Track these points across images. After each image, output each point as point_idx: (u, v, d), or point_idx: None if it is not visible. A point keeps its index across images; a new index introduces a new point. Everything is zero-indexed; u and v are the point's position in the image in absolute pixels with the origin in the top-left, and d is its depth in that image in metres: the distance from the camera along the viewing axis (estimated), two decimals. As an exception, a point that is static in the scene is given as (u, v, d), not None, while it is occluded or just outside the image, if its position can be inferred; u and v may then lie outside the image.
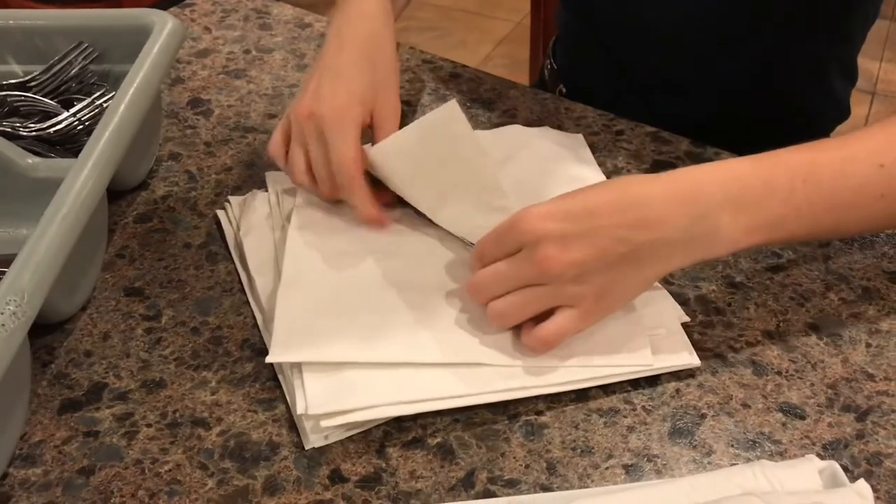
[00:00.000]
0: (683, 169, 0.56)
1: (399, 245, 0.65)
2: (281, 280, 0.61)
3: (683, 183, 0.55)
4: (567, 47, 0.99)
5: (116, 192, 0.72)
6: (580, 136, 0.78)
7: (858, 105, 1.58)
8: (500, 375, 0.56)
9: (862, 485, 0.46)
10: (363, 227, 0.66)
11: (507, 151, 0.74)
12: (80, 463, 0.53)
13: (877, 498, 0.50)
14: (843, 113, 0.94)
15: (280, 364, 0.58)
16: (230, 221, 0.69)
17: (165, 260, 0.67)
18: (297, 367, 0.56)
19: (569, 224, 0.54)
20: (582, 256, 0.53)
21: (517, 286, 0.56)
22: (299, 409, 0.54)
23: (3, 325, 0.48)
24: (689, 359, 0.58)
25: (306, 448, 0.54)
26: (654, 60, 0.87)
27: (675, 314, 0.61)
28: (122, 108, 0.63)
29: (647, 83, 0.89)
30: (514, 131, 0.78)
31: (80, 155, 0.58)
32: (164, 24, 0.71)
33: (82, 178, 0.56)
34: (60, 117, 0.69)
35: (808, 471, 0.47)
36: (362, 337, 0.58)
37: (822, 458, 0.51)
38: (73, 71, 0.73)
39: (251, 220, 0.68)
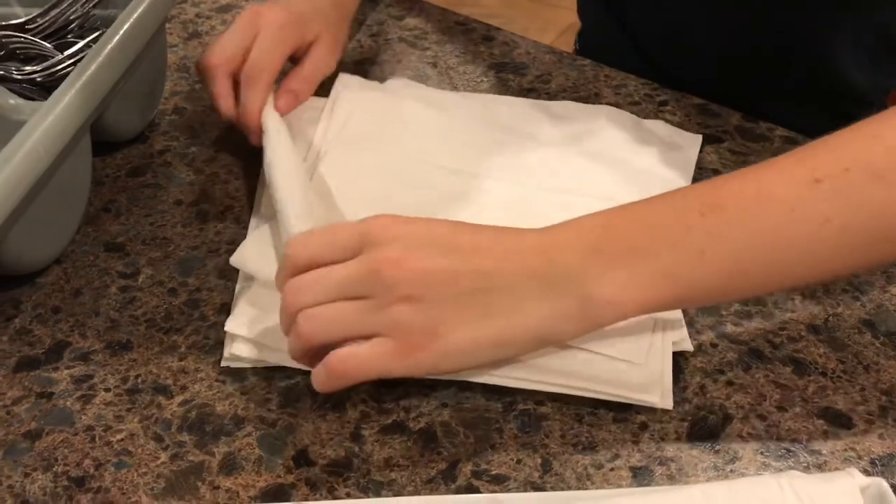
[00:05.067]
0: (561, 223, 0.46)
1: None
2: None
3: (545, 236, 0.45)
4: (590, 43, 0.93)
5: (112, 145, 0.68)
6: (699, 137, 0.67)
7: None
8: None
9: (912, 508, 0.38)
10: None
11: (588, 147, 0.65)
12: (27, 426, 0.49)
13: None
14: (889, 88, 0.85)
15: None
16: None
17: (153, 216, 0.62)
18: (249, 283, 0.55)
19: (426, 236, 0.45)
20: (430, 271, 0.43)
21: (337, 295, 0.45)
22: (227, 323, 0.52)
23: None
24: (653, 398, 0.48)
25: (221, 365, 0.51)
26: (674, 31, 0.80)
27: (664, 347, 0.50)
28: (106, 49, 0.58)
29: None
30: (603, 114, 0.69)
31: (52, 95, 0.53)
32: (169, -34, 0.66)
33: (46, 119, 0.52)
34: (53, 60, 0.64)
35: (847, 487, 0.39)
36: None
37: (867, 474, 0.43)
38: (75, 14, 0.68)
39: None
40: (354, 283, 0.44)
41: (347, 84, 0.70)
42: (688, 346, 0.51)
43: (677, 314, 0.51)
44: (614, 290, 0.43)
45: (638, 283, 0.43)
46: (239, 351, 0.51)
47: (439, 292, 0.43)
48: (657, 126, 0.68)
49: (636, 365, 0.49)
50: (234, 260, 0.55)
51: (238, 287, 0.56)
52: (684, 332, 0.51)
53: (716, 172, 0.64)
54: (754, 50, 0.78)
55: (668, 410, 0.49)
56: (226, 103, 0.64)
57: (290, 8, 0.66)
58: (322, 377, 0.45)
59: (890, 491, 0.40)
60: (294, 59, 0.68)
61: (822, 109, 0.81)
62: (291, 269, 0.46)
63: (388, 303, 0.43)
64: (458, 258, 0.44)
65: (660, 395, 0.48)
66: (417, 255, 0.44)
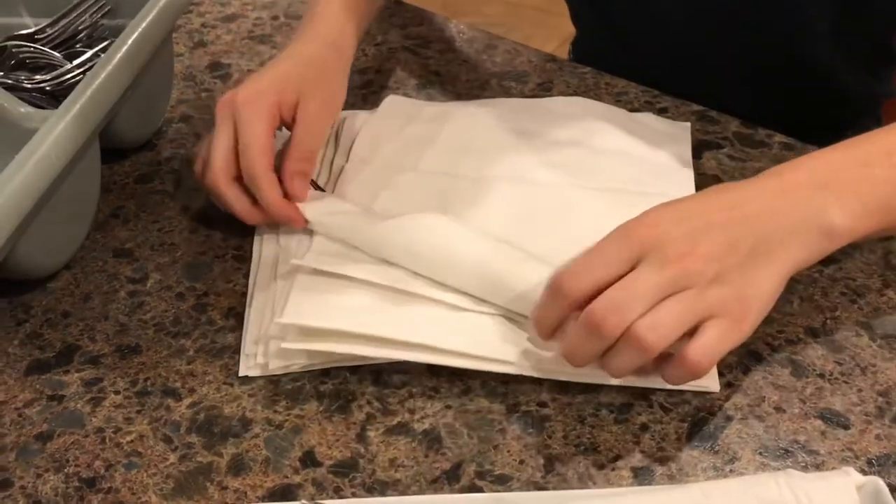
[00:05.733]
0: (770, 169, 0.52)
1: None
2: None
3: (778, 179, 0.51)
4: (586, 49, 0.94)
5: (120, 152, 0.69)
6: (687, 125, 0.70)
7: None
8: (507, 348, 0.51)
9: (907, 505, 0.38)
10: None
11: (576, 135, 0.68)
12: (39, 427, 0.50)
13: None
14: (886, 95, 0.86)
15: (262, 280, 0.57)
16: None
17: (160, 222, 0.63)
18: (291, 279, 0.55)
19: (687, 223, 0.48)
20: (715, 250, 0.48)
21: (656, 299, 0.47)
22: (276, 316, 0.52)
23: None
24: (708, 381, 0.51)
25: (239, 375, 0.52)
26: (671, 41, 0.81)
27: None
28: (115, 59, 0.59)
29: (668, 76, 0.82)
30: (591, 109, 0.71)
31: (62, 104, 0.54)
32: (176, -23, 0.67)
33: (57, 127, 0.53)
34: (62, 69, 0.66)
35: (843, 485, 0.40)
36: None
37: (865, 473, 0.44)
38: (83, 24, 0.70)
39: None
40: (668, 286, 0.47)
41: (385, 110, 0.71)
42: None
43: None
44: (849, 220, 0.49)
45: (864, 213, 0.50)
46: (289, 345, 0.51)
47: (731, 263, 0.48)
48: (648, 118, 0.71)
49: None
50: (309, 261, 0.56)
51: (263, 290, 0.56)
52: None
53: (716, 179, 0.65)
54: (748, 58, 0.79)
55: (668, 410, 0.49)
56: (245, 210, 0.59)
57: (260, 80, 0.61)
58: (684, 374, 0.47)
59: (886, 489, 0.41)
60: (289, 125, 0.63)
61: (818, 117, 0.81)
62: (572, 303, 0.48)
63: (703, 290, 0.47)
64: (729, 226, 0.49)
65: (709, 378, 0.50)
66: (702, 240, 0.48)
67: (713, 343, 0.47)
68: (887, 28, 0.81)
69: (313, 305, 0.53)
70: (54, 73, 0.66)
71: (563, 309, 0.48)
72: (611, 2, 0.84)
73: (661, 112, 0.73)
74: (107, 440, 0.49)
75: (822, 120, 0.81)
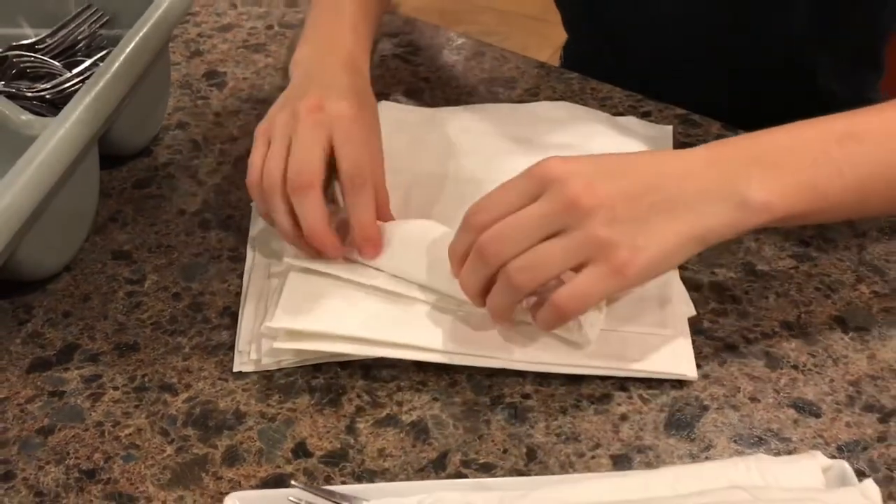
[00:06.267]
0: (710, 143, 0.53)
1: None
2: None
3: (709, 150, 0.52)
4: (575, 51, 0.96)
5: (119, 159, 0.71)
6: (669, 128, 0.72)
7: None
8: (490, 341, 0.53)
9: (869, 485, 0.40)
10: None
11: (568, 140, 0.69)
12: (40, 422, 0.51)
13: (896, 507, 0.44)
14: (867, 102, 0.88)
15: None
16: None
17: (157, 225, 0.65)
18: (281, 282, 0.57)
19: (596, 168, 0.49)
20: (614, 195, 0.47)
21: (541, 236, 0.47)
22: (267, 320, 0.54)
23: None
24: (686, 369, 0.52)
25: (234, 370, 0.53)
26: (661, 45, 0.83)
27: (684, 311, 0.56)
28: (113, 67, 0.61)
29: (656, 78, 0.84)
30: (576, 114, 0.73)
31: (61, 112, 0.56)
32: (172, -12, 0.69)
33: (56, 134, 0.55)
34: (61, 78, 0.68)
35: (810, 468, 0.42)
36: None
37: (835, 458, 0.46)
38: (82, 34, 0.72)
39: None
40: (553, 220, 0.47)
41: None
42: (692, 311, 0.56)
43: (682, 287, 0.57)
44: (767, 194, 0.48)
45: (786, 191, 0.49)
46: (280, 344, 0.53)
47: (631, 209, 0.47)
48: (631, 122, 0.73)
49: (663, 337, 0.53)
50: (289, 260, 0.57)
51: (257, 289, 0.58)
52: (689, 299, 0.56)
53: (696, 179, 0.67)
54: (735, 61, 0.81)
55: (647, 401, 0.51)
56: (322, 224, 0.55)
57: (346, 97, 0.59)
58: (550, 317, 0.48)
59: (851, 472, 0.42)
60: None
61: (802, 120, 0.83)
62: (476, 232, 0.49)
63: (590, 229, 0.46)
64: (638, 178, 0.49)
65: (687, 367, 0.52)
66: (604, 182, 0.48)
67: (583, 288, 0.47)
68: (870, 32, 0.83)
69: (303, 307, 0.55)
70: (54, 82, 0.68)
71: (471, 241, 0.49)
72: (603, 6, 0.86)
73: (645, 116, 0.75)
74: (106, 433, 0.51)
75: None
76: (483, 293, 0.50)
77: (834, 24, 0.79)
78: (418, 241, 0.56)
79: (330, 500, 0.41)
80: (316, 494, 0.42)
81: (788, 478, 0.41)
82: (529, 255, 0.47)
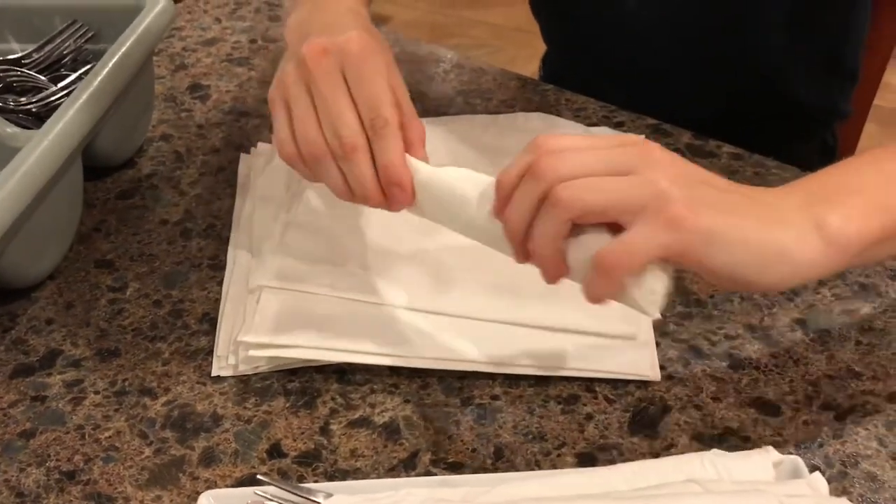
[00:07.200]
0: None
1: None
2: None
3: (760, 192, 0.46)
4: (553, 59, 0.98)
5: (103, 170, 0.73)
6: (641, 137, 0.72)
7: None
8: (464, 343, 0.55)
9: (817, 478, 0.42)
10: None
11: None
12: (22, 426, 0.53)
13: (850, 501, 0.46)
14: (839, 112, 0.90)
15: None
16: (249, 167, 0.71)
17: (140, 235, 0.67)
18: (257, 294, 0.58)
19: (687, 167, 0.45)
20: (692, 171, 0.43)
21: (603, 169, 0.42)
22: (242, 334, 0.55)
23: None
24: (649, 371, 0.54)
25: (212, 375, 0.55)
26: (636, 55, 0.85)
27: (647, 323, 0.57)
28: (96, 81, 0.62)
29: (632, 80, 0.86)
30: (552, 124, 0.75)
31: (45, 124, 0.58)
32: (155, 4, 0.71)
33: (40, 146, 0.56)
34: (47, 92, 0.69)
35: (762, 462, 0.43)
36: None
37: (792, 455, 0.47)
38: (68, 49, 0.73)
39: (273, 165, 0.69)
40: (618, 158, 0.42)
41: None
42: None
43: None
44: (840, 220, 0.43)
45: (857, 214, 0.44)
46: (256, 352, 0.54)
47: (699, 177, 0.43)
48: (604, 132, 0.75)
49: (629, 341, 0.55)
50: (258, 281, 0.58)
51: (231, 303, 0.60)
52: None
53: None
54: (708, 73, 0.83)
55: (612, 402, 0.53)
56: (370, 177, 0.50)
57: (355, 32, 0.52)
58: (598, 282, 0.42)
59: (804, 466, 0.44)
60: None
61: (775, 129, 0.85)
62: (537, 154, 0.43)
63: (653, 176, 0.42)
64: (716, 178, 0.44)
65: (650, 368, 0.54)
66: (687, 166, 0.44)
67: (629, 239, 0.41)
68: (837, 40, 0.85)
69: (276, 319, 0.56)
70: (40, 96, 0.69)
71: (529, 162, 0.43)
72: (578, 16, 0.88)
73: (618, 126, 0.77)
74: (86, 436, 0.52)
75: (777, 131, 0.85)
76: (525, 231, 0.44)
77: (806, 33, 0.81)
78: (452, 186, 0.49)
79: (295, 493, 0.43)
80: (282, 488, 0.43)
81: (741, 471, 0.42)
82: (582, 179, 0.42)
